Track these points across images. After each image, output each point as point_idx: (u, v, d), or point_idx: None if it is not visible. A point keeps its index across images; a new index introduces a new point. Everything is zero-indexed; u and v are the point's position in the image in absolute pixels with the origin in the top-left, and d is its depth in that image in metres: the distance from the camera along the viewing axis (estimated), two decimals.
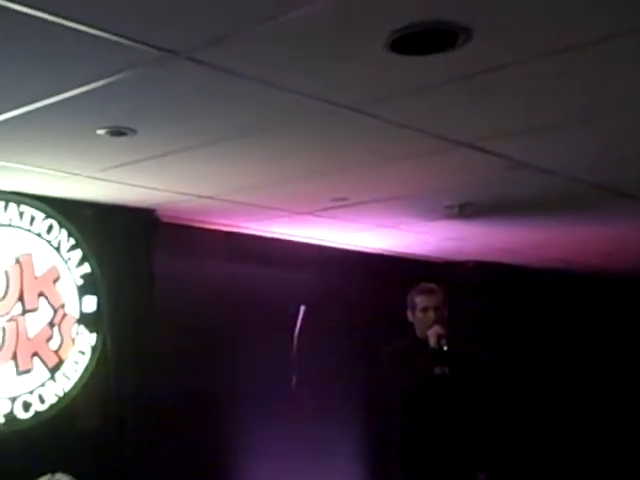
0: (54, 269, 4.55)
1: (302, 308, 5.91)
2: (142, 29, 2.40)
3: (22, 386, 4.37)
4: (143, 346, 4.87)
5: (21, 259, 4.43)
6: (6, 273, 4.36)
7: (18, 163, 3.91)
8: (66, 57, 2.61)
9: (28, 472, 3.94)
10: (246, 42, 2.47)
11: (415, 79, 2.83)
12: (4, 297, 4.35)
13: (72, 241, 4.62)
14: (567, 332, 7.76)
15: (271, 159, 3.93)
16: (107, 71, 2.72)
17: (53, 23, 2.30)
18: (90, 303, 4.66)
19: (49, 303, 4.51)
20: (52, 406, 4.47)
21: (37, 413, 4.41)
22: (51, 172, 4.06)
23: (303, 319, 5.88)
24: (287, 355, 5.82)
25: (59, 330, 4.52)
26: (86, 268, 4.66)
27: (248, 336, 5.70)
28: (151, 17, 2.31)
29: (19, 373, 4.36)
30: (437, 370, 4.58)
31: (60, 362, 4.51)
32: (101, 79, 2.77)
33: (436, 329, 4.53)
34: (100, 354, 4.67)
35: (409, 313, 4.74)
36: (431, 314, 4.64)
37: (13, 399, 4.33)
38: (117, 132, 3.37)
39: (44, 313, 4.48)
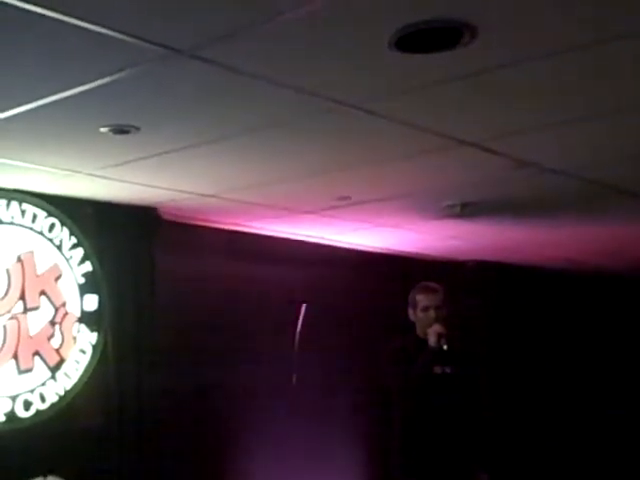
0: (55, 267, 4.54)
1: (304, 306, 5.91)
2: (145, 27, 2.39)
3: (23, 385, 4.36)
4: (144, 344, 4.86)
5: (23, 257, 4.42)
6: (7, 271, 4.35)
7: (21, 161, 3.90)
8: (69, 55, 2.60)
9: (28, 470, 3.93)
10: (249, 40, 2.46)
11: (419, 77, 2.82)
12: (5, 295, 4.33)
13: (74, 239, 4.61)
14: (569, 331, 7.76)
15: (273, 157, 3.92)
16: (110, 69, 2.71)
17: (56, 20, 2.29)
18: (91, 301, 4.66)
19: (50, 302, 4.50)
20: (53, 405, 4.46)
21: (38, 412, 4.40)
22: (53, 170, 4.06)
23: (304, 317, 5.89)
24: (288, 353, 5.82)
25: (60, 329, 4.51)
26: (87, 266, 4.65)
27: (249, 334, 5.69)
28: (154, 15, 2.31)
29: (20, 372, 4.35)
30: (437, 369, 4.58)
31: (61, 361, 4.50)
32: (104, 77, 2.77)
33: (436, 328, 4.53)
34: (101, 353, 4.67)
35: (410, 311, 4.75)
36: (432, 313, 4.64)
37: (14, 398, 4.32)
38: (120, 130, 3.37)
39: (45, 311, 4.47)
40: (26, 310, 4.40)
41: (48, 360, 4.46)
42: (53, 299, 4.51)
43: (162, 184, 4.40)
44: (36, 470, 3.87)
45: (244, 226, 5.60)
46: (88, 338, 4.63)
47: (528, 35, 2.47)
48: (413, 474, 4.60)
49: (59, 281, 4.55)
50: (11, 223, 4.40)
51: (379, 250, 6.57)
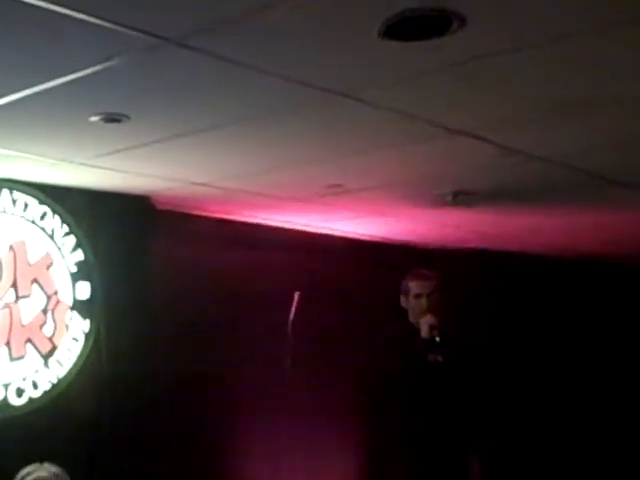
0: (48, 256, 4.55)
1: (296, 294, 5.92)
2: (133, 15, 2.38)
3: (15, 372, 4.37)
4: (137, 332, 4.86)
5: (14, 246, 4.42)
6: None
7: (11, 150, 3.90)
8: (57, 44, 2.59)
9: (22, 458, 3.93)
10: (238, 28, 2.46)
11: (408, 66, 2.82)
12: None
13: (66, 228, 4.61)
14: (564, 320, 7.77)
15: (264, 146, 3.92)
16: (99, 57, 2.70)
17: (44, 9, 2.29)
18: (84, 290, 4.66)
19: (42, 290, 4.50)
20: (45, 393, 4.47)
21: (31, 400, 4.41)
22: (44, 159, 4.05)
23: (297, 305, 5.90)
24: (282, 341, 5.84)
25: (52, 317, 4.52)
26: (80, 255, 4.66)
27: (242, 322, 5.70)
28: (141, 3, 2.31)
29: (12, 359, 4.36)
30: (430, 357, 4.60)
31: (53, 348, 4.51)
32: (94, 65, 2.76)
33: (428, 319, 4.53)
34: (94, 341, 4.68)
35: (402, 298, 4.76)
36: (424, 301, 4.65)
37: (6, 385, 4.33)
38: (110, 119, 3.36)
39: (37, 300, 4.48)
40: (18, 298, 4.40)
41: (40, 348, 4.47)
42: (45, 287, 4.51)
43: (154, 173, 4.39)
44: (30, 457, 3.87)
45: (237, 214, 5.60)
46: (81, 326, 4.63)
47: (516, 24, 2.47)
48: (408, 459, 4.62)
49: (51, 269, 4.55)
50: (3, 212, 4.39)
51: (373, 238, 6.58)
